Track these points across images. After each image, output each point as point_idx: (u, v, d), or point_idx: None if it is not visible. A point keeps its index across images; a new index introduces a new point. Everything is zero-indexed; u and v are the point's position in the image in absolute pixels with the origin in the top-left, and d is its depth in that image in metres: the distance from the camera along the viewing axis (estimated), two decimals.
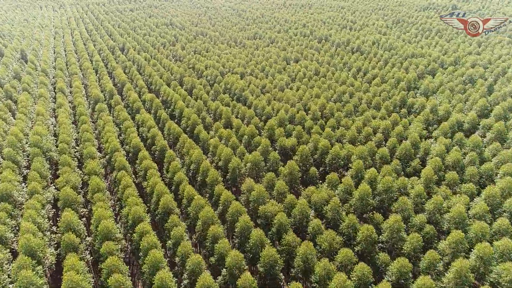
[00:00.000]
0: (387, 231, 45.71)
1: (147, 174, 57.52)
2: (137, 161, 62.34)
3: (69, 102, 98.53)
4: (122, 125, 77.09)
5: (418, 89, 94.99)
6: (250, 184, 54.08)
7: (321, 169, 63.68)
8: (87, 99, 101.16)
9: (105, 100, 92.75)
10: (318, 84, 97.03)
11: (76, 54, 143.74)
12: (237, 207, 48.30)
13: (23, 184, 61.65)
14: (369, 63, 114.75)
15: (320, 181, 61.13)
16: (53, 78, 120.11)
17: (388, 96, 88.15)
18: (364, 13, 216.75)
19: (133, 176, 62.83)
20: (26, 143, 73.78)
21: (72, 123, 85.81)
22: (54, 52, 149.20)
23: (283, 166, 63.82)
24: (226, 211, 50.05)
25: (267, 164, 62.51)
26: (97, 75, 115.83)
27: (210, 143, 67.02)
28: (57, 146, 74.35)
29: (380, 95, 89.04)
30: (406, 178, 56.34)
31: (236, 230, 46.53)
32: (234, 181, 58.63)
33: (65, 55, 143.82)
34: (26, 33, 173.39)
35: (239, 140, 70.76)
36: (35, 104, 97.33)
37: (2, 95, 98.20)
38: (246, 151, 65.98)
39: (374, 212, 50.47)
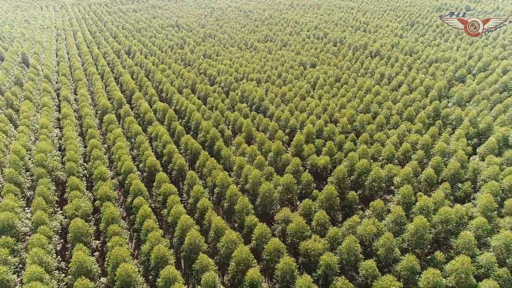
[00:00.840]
0: (453, 275, 39.14)
1: (167, 200, 50.95)
2: (155, 184, 55.70)
3: (75, 111, 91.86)
4: (134, 139, 70.51)
5: (450, 98, 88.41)
6: (286, 214, 47.51)
7: (358, 192, 57.09)
8: (93, 108, 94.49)
9: (113, 110, 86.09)
10: (342, 92, 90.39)
11: (80, 57, 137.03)
12: (276, 244, 41.68)
13: (26, 209, 55.19)
14: (392, 68, 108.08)
15: (360, 207, 54.61)
16: (56, 83, 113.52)
17: (421, 106, 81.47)
18: (375, 14, 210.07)
19: (150, 200, 56.32)
20: (30, 159, 67.32)
21: (79, 135, 79.20)
22: (57, 56, 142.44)
23: (316, 189, 57.37)
24: (262, 247, 43.48)
25: (299, 186, 55.96)
26: (103, 80, 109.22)
27: (235, 162, 60.37)
28: (63, 163, 67.86)
29: (411, 105, 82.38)
30: (460, 205, 49.77)
31: (276, 273, 39.98)
32: (265, 208, 52.02)
33: (68, 58, 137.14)
34: (27, 35, 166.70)
35: (263, 156, 64.12)
36: (38, 113, 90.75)
37: (3, 103, 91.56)
38: (274, 170, 59.38)
39: (434, 249, 43.86)
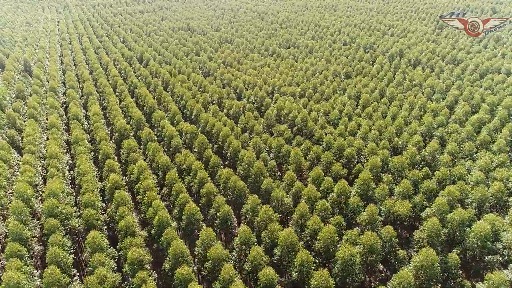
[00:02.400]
0: None
1: (221, 268, 39.21)
2: (199, 242, 43.82)
3: (87, 131, 79.95)
4: (162, 172, 58.69)
5: None
6: None
7: (455, 250, 45.27)
8: (107, 127, 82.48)
9: (132, 131, 74.15)
10: (394, 111, 78.35)
11: (88, 65, 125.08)
12: None
13: (36, 272, 43.34)
14: (440, 80, 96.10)
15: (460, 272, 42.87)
16: (64, 95, 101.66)
17: (493, 129, 69.43)
18: (396, 16, 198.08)
19: (195, 264, 44.65)
20: (37, 197, 55.51)
21: (94, 162, 67.31)
22: (62, 63, 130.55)
23: (403, 249, 45.62)
24: None
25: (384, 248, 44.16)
26: (116, 93, 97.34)
27: (295, 211, 48.43)
28: (77, 204, 55.88)
29: (482, 128, 70.42)
30: None
31: None
32: (344, 279, 40.16)
33: (75, 66, 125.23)
34: (29, 39, 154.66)
35: (322, 196, 52.08)
36: (44, 134, 78.80)
37: (4, 121, 79.66)
38: (343, 220, 47.53)
39: None
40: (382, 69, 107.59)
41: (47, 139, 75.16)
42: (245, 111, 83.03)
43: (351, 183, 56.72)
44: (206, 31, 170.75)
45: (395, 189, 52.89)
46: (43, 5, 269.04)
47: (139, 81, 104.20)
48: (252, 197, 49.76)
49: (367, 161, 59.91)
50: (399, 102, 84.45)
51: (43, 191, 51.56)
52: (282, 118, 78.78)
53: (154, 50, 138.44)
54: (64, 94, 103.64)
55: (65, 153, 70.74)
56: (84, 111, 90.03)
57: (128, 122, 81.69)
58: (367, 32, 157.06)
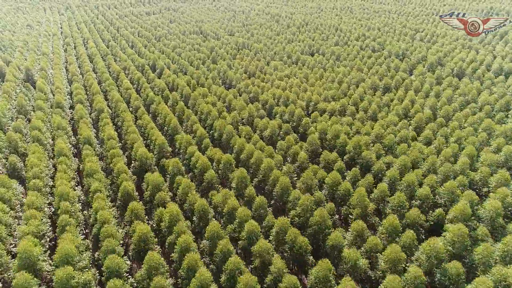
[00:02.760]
0: None
1: None
2: None
3: (100, 157, 68.93)
4: (197, 217, 47.72)
5: None
6: None
7: None
8: (123, 152, 71.38)
9: (154, 158, 63.08)
10: (458, 134, 67.36)
11: (95, 73, 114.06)
12: None
13: None
14: (501, 98, 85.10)
15: None
16: (71, 109, 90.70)
17: None
18: (419, 19, 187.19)
19: None
20: (46, 251, 44.59)
21: (111, 201, 56.31)
22: (67, 70, 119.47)
23: None
24: None
25: None
26: (130, 107, 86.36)
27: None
28: (101, 272, 44.59)
29: None
30: None
31: None
32: None
33: (82, 75, 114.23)
34: (31, 43, 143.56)
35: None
36: (50, 161, 67.67)
37: (4, 144, 68.67)
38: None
39: None
40: (425, 81, 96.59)
41: (55, 168, 64.22)
42: (281, 132, 72.10)
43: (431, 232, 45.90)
44: (220, 35, 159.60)
45: (498, 247, 41.96)
46: (45, 6, 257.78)
47: (156, 94, 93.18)
48: (322, 262, 38.80)
49: (450, 204, 49.00)
50: (457, 121, 73.49)
51: (54, 252, 40.51)
52: (327, 142, 67.74)
53: (167, 57, 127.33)
54: (71, 108, 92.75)
55: (77, 185, 59.74)
56: (94, 130, 79.04)
57: (147, 146, 70.66)
58: (394, 37, 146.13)
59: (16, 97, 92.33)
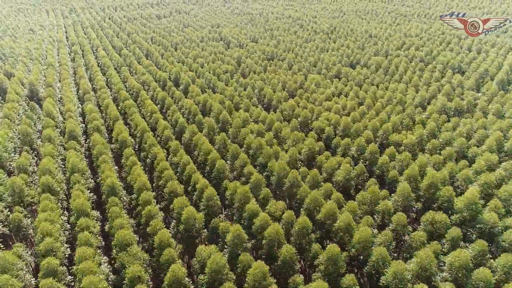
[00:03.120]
0: None
1: None
2: None
3: (129, 214, 53.95)
4: None
5: None
6: None
7: None
8: (157, 201, 56.29)
9: (203, 224, 48.08)
10: None
11: (110, 90, 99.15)
12: None
13: None
14: None
15: None
16: (85, 140, 75.71)
17: None
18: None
19: None
20: None
21: (148, 263, 41.48)
22: (77, 85, 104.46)
23: None
24: None
25: None
26: (157, 137, 71.43)
27: None
28: None
29: None
30: None
31: None
32: None
33: (94, 91, 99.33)
34: (35, 51, 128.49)
35: None
36: (64, 214, 52.69)
37: (7, 191, 53.74)
38: None
39: None
40: (504, 102, 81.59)
41: (72, 226, 49.09)
42: (355, 175, 57.17)
43: None
44: (242, 42, 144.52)
45: None
46: (47, 8, 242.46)
47: (185, 118, 78.19)
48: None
49: None
50: None
51: None
52: (423, 193, 52.73)
53: (188, 68, 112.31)
54: (85, 134, 77.80)
55: (105, 262, 44.46)
56: (116, 167, 63.97)
57: (188, 193, 55.59)
58: (439, 46, 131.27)
59: (19, 122, 77.34)
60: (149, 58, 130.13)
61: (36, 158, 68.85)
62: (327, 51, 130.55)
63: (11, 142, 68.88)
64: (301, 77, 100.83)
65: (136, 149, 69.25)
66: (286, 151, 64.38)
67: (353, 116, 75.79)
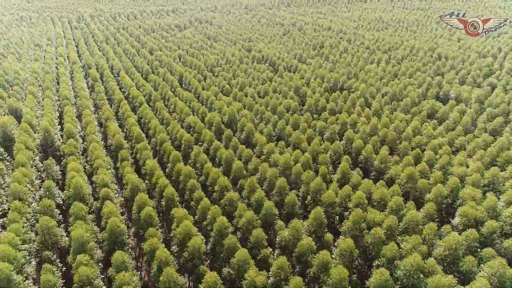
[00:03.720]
0: None
1: None
2: None
3: None
4: None
5: None
6: None
7: None
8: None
9: None
10: None
11: (147, 136, 76.56)
12: None
13: None
14: None
15: None
16: (121, 208, 53.35)
17: None
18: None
19: None
20: None
21: None
22: (103, 132, 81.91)
23: None
24: None
25: None
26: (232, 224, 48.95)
27: None
28: None
29: None
30: None
31: None
32: None
33: (125, 132, 76.79)
34: (44, 77, 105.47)
35: None
36: None
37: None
38: None
39: None
40: None
41: None
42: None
43: None
44: (289, 64, 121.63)
45: None
46: (52, 16, 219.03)
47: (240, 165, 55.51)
48: None
49: None
50: None
51: None
52: None
53: (241, 104, 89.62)
54: (121, 208, 55.22)
55: None
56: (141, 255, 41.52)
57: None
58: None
59: (34, 212, 54.03)
60: (183, 85, 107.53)
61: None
62: (399, 77, 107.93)
63: (25, 228, 46.47)
64: (396, 121, 78.14)
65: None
66: None
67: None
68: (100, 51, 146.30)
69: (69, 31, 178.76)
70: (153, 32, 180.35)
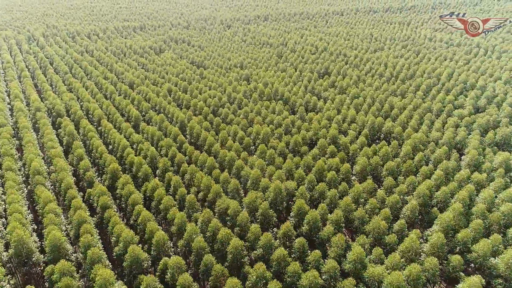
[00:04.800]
0: None
1: None
2: None
3: None
4: None
5: None
6: None
7: None
8: None
9: None
10: None
11: (163, 220, 54.76)
12: None
13: None
14: None
15: None
16: None
17: None
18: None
19: None
20: None
21: None
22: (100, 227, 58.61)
23: None
24: None
25: None
26: None
27: None
28: None
29: None
30: None
31: None
32: None
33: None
34: (1, 135, 78.36)
35: None
36: None
37: None
38: None
39: None
40: None
41: None
42: None
43: None
44: (295, 104, 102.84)
45: None
46: None
47: None
48: None
49: None
50: None
51: None
52: None
53: (276, 167, 69.95)
54: None
55: None
56: None
57: None
58: None
59: None
60: (186, 134, 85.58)
61: None
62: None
63: None
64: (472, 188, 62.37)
65: None
66: None
67: None
68: (65, 84, 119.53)
69: (19, 57, 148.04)
70: (125, 56, 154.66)
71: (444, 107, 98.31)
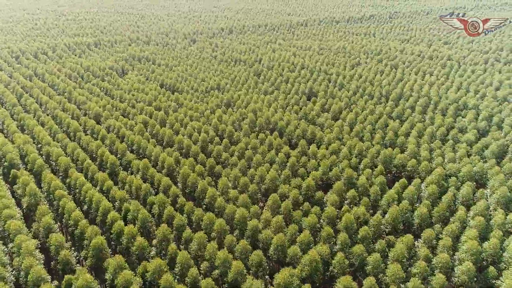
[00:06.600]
0: None
1: None
2: None
3: None
4: None
5: None
6: None
7: None
8: None
9: None
10: None
11: None
12: None
13: None
14: None
15: None
16: None
17: None
18: None
19: None
20: None
21: None
22: None
23: None
24: None
25: None
26: None
27: None
28: None
29: None
30: None
31: None
32: None
33: None
34: None
35: None
36: None
37: None
38: None
39: None
40: None
41: None
42: None
43: None
44: (304, 131, 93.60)
45: None
46: None
47: None
48: None
49: None
50: None
51: None
52: None
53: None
54: None
55: None
56: None
57: None
58: None
59: None
60: (177, 183, 72.03)
61: None
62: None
63: None
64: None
65: None
66: None
67: None
68: (14, 120, 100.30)
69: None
70: (83, 79, 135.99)
71: (448, 131, 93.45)
